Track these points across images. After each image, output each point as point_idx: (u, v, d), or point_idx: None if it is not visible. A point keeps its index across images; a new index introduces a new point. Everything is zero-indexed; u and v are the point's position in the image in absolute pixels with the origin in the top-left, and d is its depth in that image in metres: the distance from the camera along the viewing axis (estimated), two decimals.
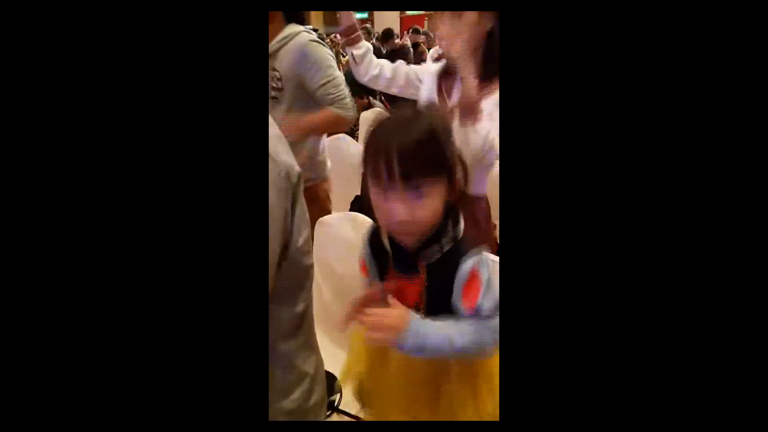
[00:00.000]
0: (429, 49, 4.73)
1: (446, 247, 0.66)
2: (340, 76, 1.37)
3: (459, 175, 0.66)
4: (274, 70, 1.36)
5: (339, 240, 1.20)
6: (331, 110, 1.35)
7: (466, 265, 0.66)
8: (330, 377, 1.14)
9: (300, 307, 0.66)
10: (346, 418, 1.03)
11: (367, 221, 1.16)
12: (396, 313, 0.65)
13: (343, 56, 6.03)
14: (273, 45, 1.34)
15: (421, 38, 5.45)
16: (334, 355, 1.19)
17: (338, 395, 1.10)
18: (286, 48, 1.34)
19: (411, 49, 4.62)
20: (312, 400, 0.73)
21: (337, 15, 1.28)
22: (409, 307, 0.71)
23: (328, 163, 1.55)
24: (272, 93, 1.37)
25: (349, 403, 1.06)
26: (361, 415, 1.01)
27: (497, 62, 1.06)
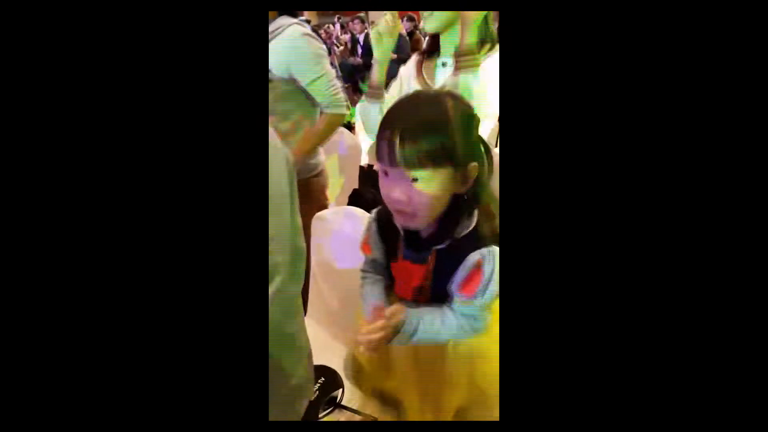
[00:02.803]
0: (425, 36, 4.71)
1: (459, 236, 0.67)
2: (331, 71, 1.35)
3: (474, 166, 0.64)
4: None
5: (337, 235, 1.19)
6: (328, 114, 1.35)
7: (474, 256, 0.66)
8: (331, 372, 1.14)
9: (299, 288, 0.69)
10: (347, 413, 1.03)
11: (365, 216, 1.15)
12: (391, 311, 0.68)
13: (337, 47, 5.98)
14: None
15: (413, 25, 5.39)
16: (332, 350, 1.19)
17: (340, 391, 1.09)
18: (276, 40, 1.32)
19: (407, 39, 4.59)
20: (308, 376, 0.76)
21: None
22: (414, 287, 0.73)
23: (322, 158, 1.54)
24: None
25: (350, 398, 1.06)
26: (365, 411, 1.01)
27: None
